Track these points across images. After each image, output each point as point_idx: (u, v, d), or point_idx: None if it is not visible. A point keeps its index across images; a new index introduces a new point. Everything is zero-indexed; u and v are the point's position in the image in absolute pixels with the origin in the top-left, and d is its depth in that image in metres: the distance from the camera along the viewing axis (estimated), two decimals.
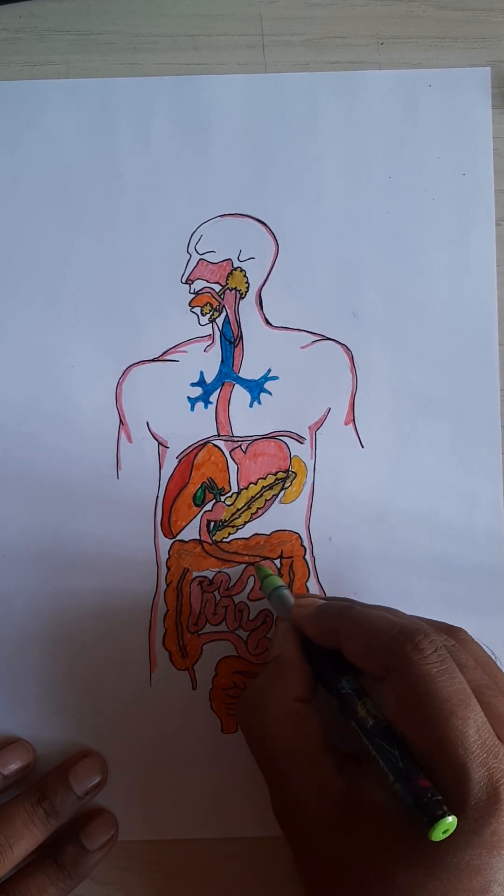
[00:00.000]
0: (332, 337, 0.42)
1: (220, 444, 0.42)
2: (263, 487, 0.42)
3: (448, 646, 0.33)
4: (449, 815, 0.29)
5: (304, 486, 0.42)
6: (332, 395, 0.42)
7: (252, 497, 0.42)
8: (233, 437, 0.42)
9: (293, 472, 0.42)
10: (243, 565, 0.41)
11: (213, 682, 0.41)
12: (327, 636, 0.35)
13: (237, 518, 0.41)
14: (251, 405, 0.42)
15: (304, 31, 0.43)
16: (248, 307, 0.42)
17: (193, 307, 0.42)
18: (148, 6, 0.44)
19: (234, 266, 0.42)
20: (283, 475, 0.42)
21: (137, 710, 0.40)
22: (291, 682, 0.36)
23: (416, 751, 0.31)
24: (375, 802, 0.32)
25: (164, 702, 0.40)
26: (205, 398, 0.42)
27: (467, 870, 0.29)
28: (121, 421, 0.42)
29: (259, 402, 0.42)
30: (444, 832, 0.29)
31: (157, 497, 0.42)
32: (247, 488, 0.42)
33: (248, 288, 0.42)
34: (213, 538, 0.41)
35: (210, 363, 0.42)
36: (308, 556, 0.41)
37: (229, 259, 0.42)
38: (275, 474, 0.42)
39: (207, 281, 0.42)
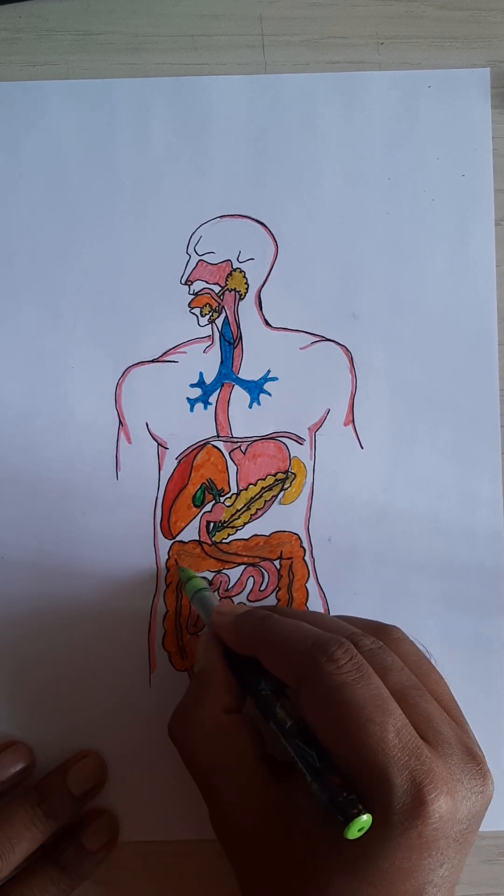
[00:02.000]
0: (331, 338, 0.42)
1: (220, 445, 0.42)
2: (263, 488, 0.42)
3: (373, 649, 0.33)
4: (363, 814, 0.29)
5: (304, 486, 0.42)
6: (331, 395, 0.42)
7: (251, 498, 0.42)
8: (232, 438, 0.42)
9: (293, 473, 0.42)
10: (243, 566, 0.41)
11: None
12: (245, 646, 0.35)
13: (237, 519, 0.42)
14: (250, 406, 0.42)
15: (304, 31, 0.43)
16: (247, 308, 0.42)
17: (193, 308, 0.42)
18: (148, 6, 0.44)
19: (234, 267, 0.42)
20: (283, 476, 0.42)
21: (137, 711, 0.41)
22: (217, 694, 0.36)
23: (338, 761, 0.31)
24: (306, 811, 0.32)
25: (164, 703, 0.40)
26: (204, 399, 0.42)
27: (399, 873, 0.29)
28: (120, 422, 0.42)
29: (258, 403, 0.42)
30: (359, 830, 0.29)
31: (157, 498, 0.42)
32: (246, 489, 0.42)
33: (247, 289, 0.42)
34: (213, 539, 0.41)
35: (209, 364, 0.42)
36: (308, 557, 0.41)
37: (229, 260, 0.42)
38: (274, 475, 0.42)
39: (207, 282, 0.42)
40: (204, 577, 0.41)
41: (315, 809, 0.31)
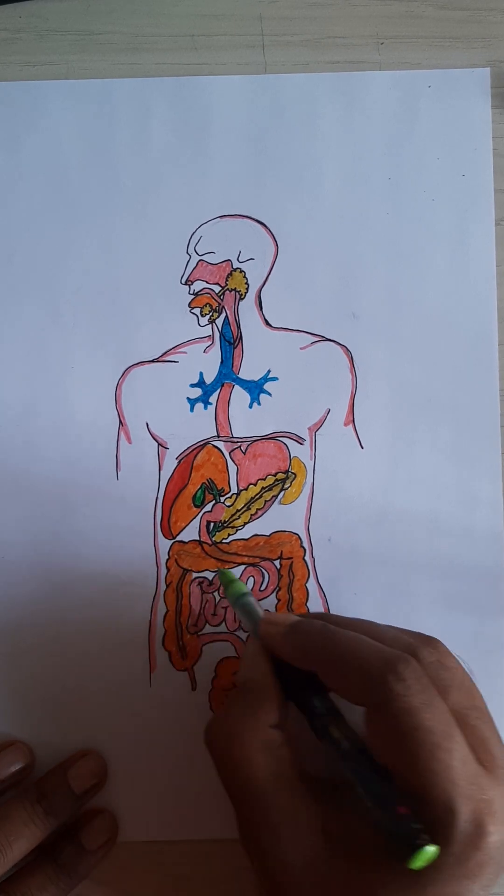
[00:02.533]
0: (331, 338, 0.42)
1: (220, 444, 0.42)
2: (263, 488, 0.42)
3: (433, 662, 0.32)
4: (430, 845, 0.29)
5: (304, 486, 0.42)
6: (331, 395, 0.42)
7: (251, 498, 0.42)
8: (232, 437, 0.42)
9: (293, 473, 0.42)
10: (243, 566, 0.41)
11: (212, 682, 0.41)
12: (300, 659, 0.34)
13: (237, 519, 0.42)
14: (251, 406, 0.42)
15: (304, 31, 0.43)
16: (247, 308, 0.42)
17: (193, 308, 0.42)
18: (148, 6, 0.44)
19: (234, 267, 0.42)
20: (283, 476, 0.42)
21: (137, 710, 0.41)
22: (265, 709, 0.34)
23: (399, 782, 0.31)
24: (352, 829, 0.31)
25: (164, 702, 0.40)
26: (204, 399, 0.42)
27: None
28: (120, 422, 0.42)
29: (259, 403, 0.42)
30: (423, 861, 0.29)
31: (157, 498, 0.42)
32: (246, 489, 0.42)
33: (247, 289, 0.42)
34: (213, 539, 0.41)
35: (209, 364, 0.42)
36: (308, 557, 0.41)
37: (229, 260, 0.42)
38: (274, 475, 0.42)
39: (207, 282, 0.42)
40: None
41: (360, 828, 0.31)
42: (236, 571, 0.41)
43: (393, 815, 0.30)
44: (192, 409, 0.42)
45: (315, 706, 0.34)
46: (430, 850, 0.29)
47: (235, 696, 0.36)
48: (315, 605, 0.41)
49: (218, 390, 0.42)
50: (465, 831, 0.29)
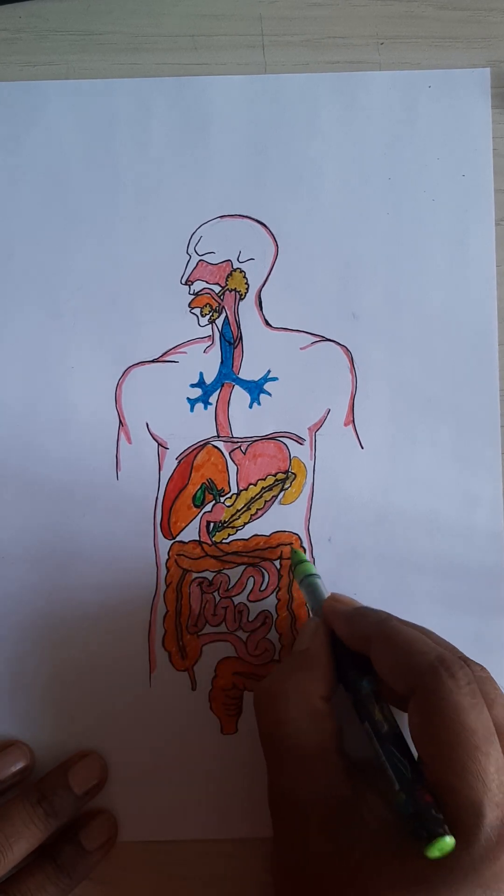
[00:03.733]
0: (331, 338, 0.42)
1: (220, 445, 0.42)
2: (263, 488, 0.42)
3: (483, 677, 0.33)
4: (448, 836, 0.29)
5: (304, 487, 0.42)
6: (331, 395, 0.42)
7: (252, 498, 0.42)
8: (232, 438, 0.42)
9: (293, 473, 0.42)
10: (243, 566, 0.41)
11: (212, 683, 0.41)
12: (358, 640, 0.35)
13: (237, 519, 0.42)
14: (251, 406, 0.42)
15: (304, 31, 0.43)
16: (247, 308, 0.42)
17: (193, 308, 0.42)
18: (148, 6, 0.44)
19: (234, 267, 0.42)
20: (283, 476, 0.42)
21: (137, 710, 0.41)
22: (317, 678, 0.36)
23: (430, 775, 0.31)
24: (376, 815, 0.32)
25: (164, 703, 0.40)
26: (204, 399, 0.42)
27: None
28: (120, 422, 0.42)
29: (259, 403, 0.42)
30: (439, 850, 0.29)
31: (157, 498, 0.42)
32: (246, 489, 0.42)
33: (247, 289, 0.42)
34: (213, 539, 0.41)
35: (210, 364, 0.42)
36: (308, 557, 0.41)
37: (229, 260, 0.42)
38: (274, 475, 0.42)
39: (207, 282, 0.42)
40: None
41: (387, 816, 0.32)
42: (236, 571, 0.41)
43: (418, 800, 0.30)
44: (192, 409, 0.42)
45: (362, 686, 0.35)
46: (449, 840, 0.29)
47: (289, 662, 0.37)
48: None
49: (218, 390, 0.42)
50: (488, 837, 0.29)
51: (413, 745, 0.33)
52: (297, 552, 0.41)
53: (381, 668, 0.34)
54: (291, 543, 0.41)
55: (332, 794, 0.33)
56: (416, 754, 0.33)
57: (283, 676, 0.36)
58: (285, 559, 0.41)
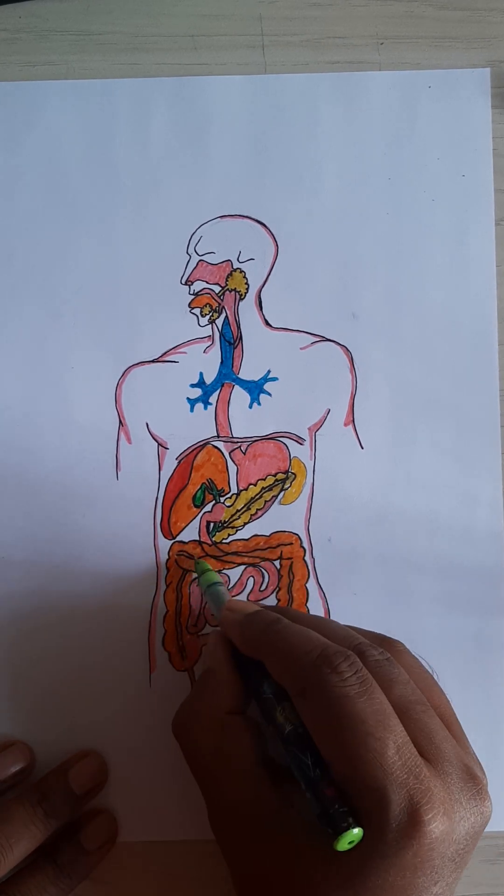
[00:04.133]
0: (331, 338, 0.42)
1: (220, 445, 0.42)
2: (263, 488, 0.42)
3: (380, 660, 0.33)
4: (354, 827, 0.29)
5: (304, 487, 0.42)
6: (331, 396, 0.42)
7: (251, 498, 0.42)
8: (232, 438, 0.42)
9: (293, 474, 0.42)
10: (243, 566, 0.41)
11: None
12: (251, 648, 0.35)
13: (237, 519, 0.42)
14: (251, 406, 0.42)
15: (304, 31, 0.43)
16: (247, 308, 0.42)
17: (193, 308, 0.42)
18: (148, 6, 0.44)
19: (234, 267, 0.42)
20: (283, 476, 0.42)
21: (137, 711, 0.41)
22: (222, 694, 0.36)
23: (335, 773, 0.31)
24: (303, 819, 0.32)
25: (164, 703, 0.40)
26: (204, 399, 0.42)
27: (392, 891, 0.29)
28: (120, 422, 0.42)
29: (259, 403, 0.42)
30: (349, 843, 0.29)
31: (157, 498, 0.42)
32: (246, 489, 0.42)
33: (247, 289, 0.42)
34: (213, 539, 0.41)
35: (210, 364, 0.42)
36: (308, 558, 0.41)
37: (229, 260, 0.42)
38: (274, 475, 0.42)
39: (207, 282, 0.42)
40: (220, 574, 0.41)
41: (312, 818, 0.31)
42: (236, 571, 0.41)
43: (321, 796, 0.30)
44: (192, 410, 0.42)
45: (263, 692, 0.34)
46: (354, 832, 0.29)
47: (197, 685, 0.37)
48: (315, 606, 0.41)
49: (218, 390, 0.42)
50: (399, 819, 0.29)
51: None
52: (200, 562, 0.41)
53: (273, 673, 0.34)
54: (292, 543, 0.41)
55: (258, 807, 0.33)
56: None
57: (191, 699, 0.37)
58: (285, 559, 0.41)
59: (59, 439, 0.42)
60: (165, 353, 0.42)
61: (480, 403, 0.42)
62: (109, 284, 0.42)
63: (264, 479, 0.42)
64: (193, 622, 0.41)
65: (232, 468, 0.42)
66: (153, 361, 0.42)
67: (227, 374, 0.42)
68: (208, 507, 0.42)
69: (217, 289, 0.42)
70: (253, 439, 0.42)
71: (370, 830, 0.29)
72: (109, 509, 0.41)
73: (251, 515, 0.42)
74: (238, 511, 0.41)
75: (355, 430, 0.42)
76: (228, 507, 0.42)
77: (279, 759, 0.35)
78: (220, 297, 0.42)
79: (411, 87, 0.43)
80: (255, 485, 0.42)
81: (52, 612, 0.41)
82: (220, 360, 0.42)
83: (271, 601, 0.41)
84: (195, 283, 0.42)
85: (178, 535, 0.41)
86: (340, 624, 0.36)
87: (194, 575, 0.41)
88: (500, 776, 0.40)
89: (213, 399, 0.42)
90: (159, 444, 0.42)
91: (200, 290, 0.42)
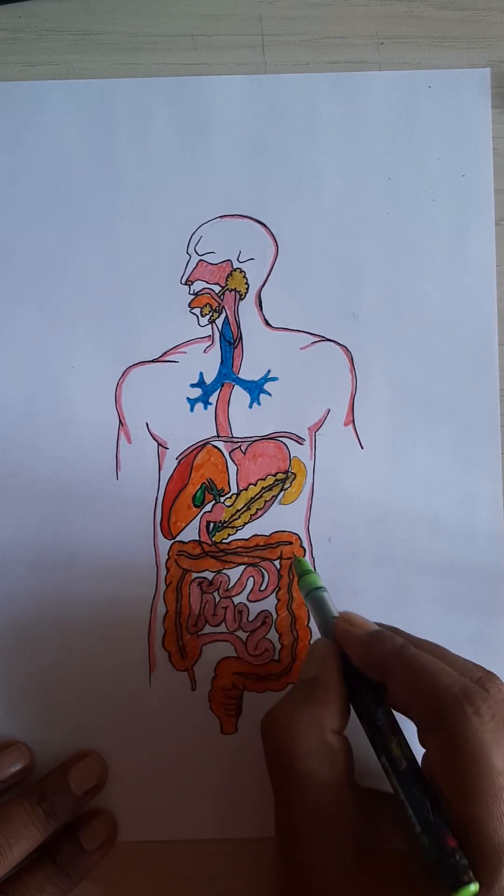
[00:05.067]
0: (331, 338, 0.42)
1: (220, 445, 0.42)
2: (263, 488, 0.42)
3: (500, 699, 0.31)
4: (474, 883, 0.28)
5: (304, 487, 0.42)
6: (331, 396, 0.42)
7: (251, 498, 0.42)
8: (232, 438, 0.42)
9: (293, 473, 0.42)
10: (243, 566, 0.41)
11: (212, 682, 0.41)
12: (377, 669, 0.33)
13: (237, 519, 0.42)
14: (251, 406, 0.42)
15: (304, 31, 0.43)
16: (247, 308, 0.42)
17: (193, 308, 0.42)
18: (148, 6, 0.44)
19: (234, 267, 0.42)
20: (283, 476, 0.42)
21: (137, 710, 0.41)
22: (331, 711, 0.33)
23: (452, 813, 0.30)
24: (391, 849, 0.31)
25: (164, 703, 0.40)
26: (204, 399, 0.42)
27: None
28: (120, 422, 0.42)
29: (259, 403, 0.42)
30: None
31: (157, 498, 0.42)
32: (246, 489, 0.42)
33: (247, 289, 0.42)
34: (213, 539, 0.41)
35: (209, 364, 0.42)
36: (308, 557, 0.41)
37: (229, 260, 0.42)
38: (274, 475, 0.42)
39: (207, 282, 0.42)
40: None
41: (399, 849, 0.31)
42: (236, 571, 0.41)
43: (442, 845, 0.29)
44: (192, 409, 0.42)
45: (378, 718, 0.33)
46: (473, 889, 0.28)
47: (299, 691, 0.35)
48: None
49: (218, 390, 0.42)
50: None
51: (428, 774, 0.32)
52: (301, 561, 0.38)
53: (398, 698, 0.32)
54: (292, 543, 0.41)
55: (344, 831, 0.32)
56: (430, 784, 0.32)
57: (293, 707, 0.34)
58: (285, 559, 0.41)
59: (59, 439, 0.42)
60: (165, 352, 0.42)
61: (480, 403, 0.42)
62: (109, 284, 0.42)
63: (264, 479, 0.42)
64: (193, 622, 0.41)
65: (232, 468, 0.42)
66: (153, 361, 0.42)
67: (227, 373, 0.42)
68: (208, 507, 0.42)
69: (217, 289, 0.42)
70: (253, 439, 0.42)
71: (482, 888, 0.29)
72: (109, 509, 0.41)
73: (251, 515, 0.42)
74: (238, 511, 0.41)
75: (355, 430, 0.42)
76: (228, 506, 0.42)
77: (360, 780, 0.34)
78: (220, 296, 0.42)
79: (411, 86, 0.43)
80: (255, 485, 0.42)
81: (52, 611, 0.41)
82: (220, 360, 0.42)
83: (271, 601, 0.41)
84: (195, 283, 0.42)
85: (177, 534, 0.41)
86: (453, 653, 0.34)
87: (194, 574, 0.41)
88: None
89: (213, 399, 0.42)
90: (159, 444, 0.42)
91: (200, 290, 0.42)
